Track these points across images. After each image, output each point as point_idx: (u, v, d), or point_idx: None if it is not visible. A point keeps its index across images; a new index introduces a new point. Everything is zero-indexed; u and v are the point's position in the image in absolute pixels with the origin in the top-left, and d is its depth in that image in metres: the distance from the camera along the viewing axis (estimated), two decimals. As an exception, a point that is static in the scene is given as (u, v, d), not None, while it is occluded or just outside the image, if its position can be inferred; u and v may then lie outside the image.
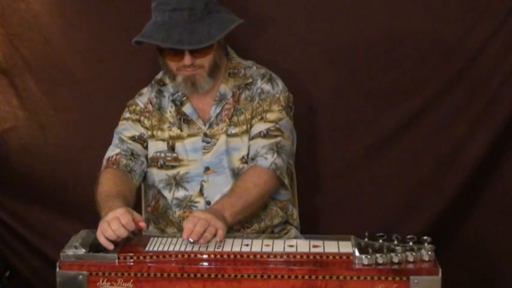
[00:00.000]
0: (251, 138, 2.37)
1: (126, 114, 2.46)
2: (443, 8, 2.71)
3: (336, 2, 2.74)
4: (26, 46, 2.85)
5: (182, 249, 1.99)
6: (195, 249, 1.99)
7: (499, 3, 2.68)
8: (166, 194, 2.40)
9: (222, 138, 2.38)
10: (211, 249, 1.99)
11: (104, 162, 2.39)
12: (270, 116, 2.38)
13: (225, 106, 2.40)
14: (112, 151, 2.40)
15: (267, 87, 2.41)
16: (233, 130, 2.39)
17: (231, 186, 2.30)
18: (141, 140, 2.42)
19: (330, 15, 2.74)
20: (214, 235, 2.01)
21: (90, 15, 2.82)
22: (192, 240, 1.99)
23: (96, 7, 2.81)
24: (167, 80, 2.45)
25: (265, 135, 2.35)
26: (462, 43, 2.72)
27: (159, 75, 2.49)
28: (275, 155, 2.32)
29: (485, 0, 2.68)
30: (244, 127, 2.39)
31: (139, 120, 2.43)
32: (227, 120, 2.39)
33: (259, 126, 2.37)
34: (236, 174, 2.37)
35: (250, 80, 2.42)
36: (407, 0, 2.72)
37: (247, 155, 2.37)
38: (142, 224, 2.05)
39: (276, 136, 2.35)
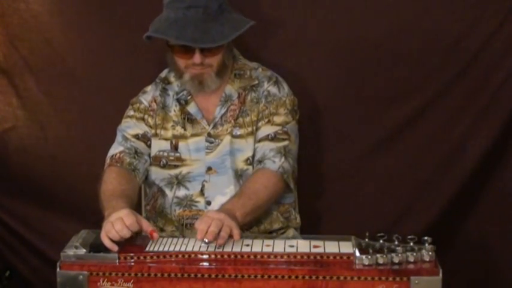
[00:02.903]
0: (258, 141, 2.38)
1: (130, 112, 2.45)
2: (444, 8, 2.71)
3: (339, 4, 2.74)
4: (26, 46, 2.85)
5: (182, 249, 1.99)
6: (195, 249, 1.99)
7: (499, 3, 2.68)
8: (168, 192, 2.40)
9: (227, 139, 2.38)
10: (211, 249, 1.99)
11: (108, 160, 2.38)
12: (277, 119, 2.38)
13: (230, 107, 2.40)
14: (115, 149, 2.40)
15: (273, 89, 2.42)
16: (238, 131, 2.39)
17: (240, 187, 2.31)
18: (145, 139, 2.42)
19: (333, 18, 2.74)
20: (230, 235, 2.01)
21: (90, 15, 2.81)
22: (206, 241, 1.98)
23: (96, 7, 2.81)
24: (172, 78, 2.45)
25: (273, 138, 2.36)
26: (462, 43, 2.72)
27: (164, 73, 2.49)
28: (283, 159, 2.32)
29: (485, 0, 2.68)
30: (250, 129, 2.39)
31: (143, 119, 2.43)
32: (232, 121, 2.39)
33: (266, 129, 2.37)
34: (239, 175, 2.37)
35: (256, 82, 2.43)
36: (409, 1, 2.72)
37: (253, 156, 2.37)
38: (156, 235, 2.04)
39: (283, 140, 2.36)
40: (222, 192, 2.36)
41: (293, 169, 2.38)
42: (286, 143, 2.36)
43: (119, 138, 2.42)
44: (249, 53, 2.54)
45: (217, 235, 1.98)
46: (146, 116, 2.43)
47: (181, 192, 2.39)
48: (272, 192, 2.29)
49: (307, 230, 2.54)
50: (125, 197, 2.19)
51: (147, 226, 2.05)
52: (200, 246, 2.00)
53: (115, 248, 1.98)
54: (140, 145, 2.40)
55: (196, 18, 2.24)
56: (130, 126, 2.42)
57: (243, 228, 2.30)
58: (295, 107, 2.45)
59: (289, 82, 2.46)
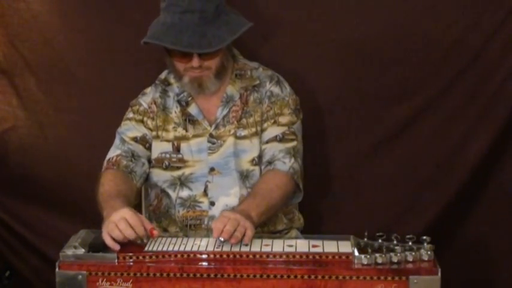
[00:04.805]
0: (266, 142, 2.38)
1: (130, 114, 2.45)
2: (444, 8, 2.71)
3: (339, 4, 2.74)
4: (26, 46, 2.85)
5: (181, 249, 2.00)
6: (194, 249, 1.99)
7: (499, 2, 2.68)
8: (171, 193, 2.40)
9: (230, 140, 2.38)
10: (210, 248, 1.99)
11: (105, 163, 2.38)
12: (282, 119, 2.39)
13: (232, 108, 2.40)
14: (113, 152, 2.39)
15: (276, 90, 2.42)
16: (242, 132, 2.39)
17: (253, 188, 2.32)
18: (143, 141, 2.41)
19: (333, 17, 2.74)
20: (243, 235, 2.01)
21: (90, 15, 2.82)
22: (222, 240, 1.99)
23: (97, 7, 2.81)
24: (172, 80, 2.44)
25: (281, 139, 2.37)
26: (462, 43, 2.72)
27: (163, 75, 2.48)
28: (292, 159, 2.34)
29: (485, 0, 2.68)
30: (254, 129, 2.39)
31: (142, 121, 2.43)
32: (235, 122, 2.39)
33: (273, 130, 2.38)
34: (245, 176, 2.37)
35: (258, 82, 2.43)
36: (409, 1, 2.72)
37: (258, 156, 2.38)
38: (155, 233, 2.04)
39: (291, 140, 2.37)
40: (226, 193, 2.36)
41: (301, 169, 2.38)
42: (294, 143, 2.37)
43: (116, 141, 2.41)
44: (248, 53, 2.53)
45: (232, 234, 1.99)
46: (146, 118, 2.42)
47: (185, 193, 2.39)
48: (284, 192, 2.30)
49: (308, 230, 2.54)
50: (123, 196, 2.18)
51: (148, 224, 2.04)
52: (199, 246, 2.00)
53: (117, 247, 1.98)
54: (138, 148, 2.39)
55: (193, 22, 2.23)
56: (129, 129, 2.42)
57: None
58: (298, 106, 2.45)
59: (289, 82, 2.46)
